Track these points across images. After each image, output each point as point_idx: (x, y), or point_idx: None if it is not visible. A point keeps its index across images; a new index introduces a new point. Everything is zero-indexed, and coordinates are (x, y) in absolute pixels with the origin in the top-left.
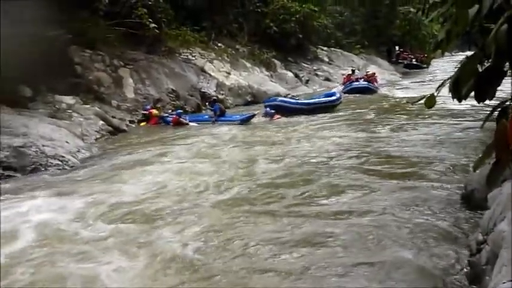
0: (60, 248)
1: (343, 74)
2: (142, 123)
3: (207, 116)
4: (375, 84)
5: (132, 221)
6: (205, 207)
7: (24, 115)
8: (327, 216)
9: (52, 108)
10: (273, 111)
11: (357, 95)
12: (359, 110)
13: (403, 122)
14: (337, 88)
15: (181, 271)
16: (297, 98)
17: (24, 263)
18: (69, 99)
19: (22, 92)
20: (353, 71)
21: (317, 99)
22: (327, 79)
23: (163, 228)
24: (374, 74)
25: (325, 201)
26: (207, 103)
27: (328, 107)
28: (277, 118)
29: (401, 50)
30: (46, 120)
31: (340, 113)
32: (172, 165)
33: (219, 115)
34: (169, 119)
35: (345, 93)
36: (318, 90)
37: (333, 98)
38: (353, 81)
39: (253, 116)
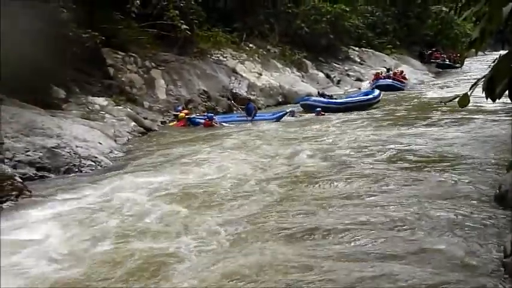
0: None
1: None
2: (171, 124)
3: (236, 116)
4: (404, 82)
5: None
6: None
7: (57, 116)
8: (365, 205)
9: (85, 110)
10: (319, 109)
11: (391, 93)
12: (393, 108)
13: (436, 120)
14: (363, 85)
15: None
16: (334, 97)
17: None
18: (102, 101)
19: (56, 93)
20: (388, 69)
21: (350, 99)
22: (359, 79)
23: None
24: (402, 72)
25: (363, 192)
26: (230, 102)
27: (364, 106)
28: (322, 114)
29: (434, 49)
30: (79, 121)
31: (375, 111)
32: (216, 157)
33: (247, 114)
34: (199, 120)
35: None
36: (349, 90)
37: (369, 96)
38: (379, 79)
39: (285, 113)
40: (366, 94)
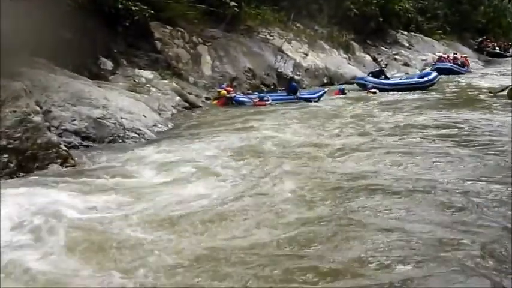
0: None
1: (423, 60)
2: (214, 102)
3: (280, 95)
4: (466, 67)
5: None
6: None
7: (104, 87)
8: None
9: (131, 82)
10: (370, 86)
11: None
12: (442, 92)
13: (482, 108)
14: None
15: None
16: (399, 78)
17: None
18: (148, 74)
19: (103, 64)
20: (454, 53)
21: (403, 80)
22: (406, 64)
23: None
24: (466, 57)
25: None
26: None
27: (417, 87)
28: (373, 93)
29: (485, 37)
30: (125, 93)
31: (425, 93)
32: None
33: (289, 93)
34: (243, 99)
35: None
36: (396, 75)
37: (424, 79)
38: (441, 62)
39: (325, 92)
40: (422, 76)
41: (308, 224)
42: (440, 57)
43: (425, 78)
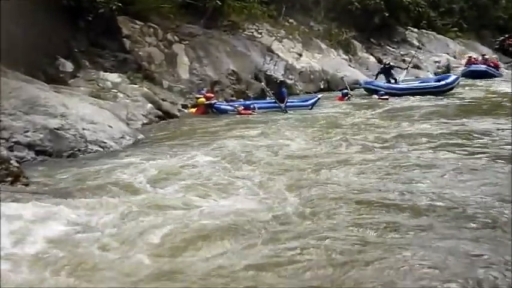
0: None
1: (436, 62)
2: (192, 110)
3: (267, 102)
4: (499, 69)
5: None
6: None
7: (63, 93)
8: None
9: (95, 87)
10: (382, 92)
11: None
12: (461, 97)
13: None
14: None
15: None
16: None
17: None
18: (114, 77)
19: (62, 66)
20: (483, 55)
21: (416, 84)
22: (416, 66)
23: None
24: (496, 58)
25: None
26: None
27: (432, 92)
28: (385, 99)
29: (507, 35)
30: (88, 99)
31: (444, 100)
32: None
33: (279, 100)
34: (225, 107)
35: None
36: (403, 79)
37: (441, 83)
38: (473, 64)
39: (318, 99)
40: (439, 80)
41: (319, 242)
42: (470, 58)
43: (443, 82)
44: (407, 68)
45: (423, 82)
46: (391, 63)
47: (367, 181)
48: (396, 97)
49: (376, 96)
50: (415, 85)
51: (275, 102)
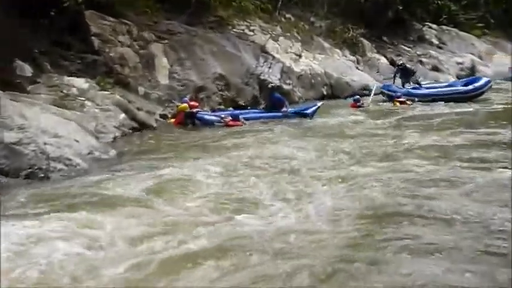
0: None
1: (458, 63)
2: (171, 120)
3: (259, 112)
4: None
5: None
6: None
7: (21, 101)
8: None
9: (58, 94)
10: (403, 99)
11: None
12: (489, 105)
13: None
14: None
15: None
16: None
17: None
18: (81, 83)
19: (19, 70)
20: None
21: (437, 90)
22: (435, 68)
23: None
24: None
25: None
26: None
27: (458, 97)
28: (409, 104)
29: None
30: (50, 109)
31: (472, 106)
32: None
33: (271, 109)
34: (209, 118)
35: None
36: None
37: (469, 87)
38: None
39: (318, 107)
40: (466, 84)
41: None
42: None
43: (471, 86)
44: (394, 77)
45: (449, 86)
46: (406, 64)
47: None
48: (417, 103)
49: (393, 104)
50: (440, 90)
51: (261, 113)
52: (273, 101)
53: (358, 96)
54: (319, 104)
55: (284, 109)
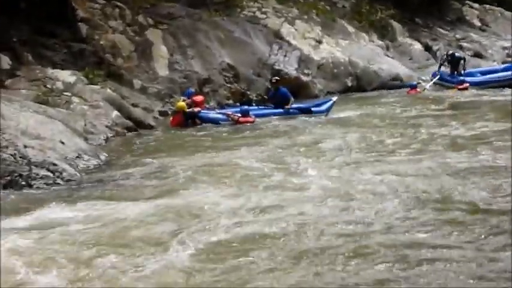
0: None
1: (504, 48)
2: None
3: (269, 109)
4: None
5: None
6: None
7: None
8: None
9: (41, 89)
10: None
11: None
12: None
13: None
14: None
15: None
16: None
17: None
18: (67, 76)
19: None
20: None
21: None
22: (478, 54)
23: None
24: None
25: None
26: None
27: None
28: (465, 89)
29: None
30: (31, 106)
31: None
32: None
33: (277, 104)
34: (215, 116)
35: None
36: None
37: None
38: None
39: (334, 102)
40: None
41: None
42: None
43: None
44: (440, 66)
45: (506, 70)
46: (455, 53)
47: None
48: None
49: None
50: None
51: (268, 109)
52: (277, 96)
53: (415, 83)
54: (334, 98)
55: (287, 106)
